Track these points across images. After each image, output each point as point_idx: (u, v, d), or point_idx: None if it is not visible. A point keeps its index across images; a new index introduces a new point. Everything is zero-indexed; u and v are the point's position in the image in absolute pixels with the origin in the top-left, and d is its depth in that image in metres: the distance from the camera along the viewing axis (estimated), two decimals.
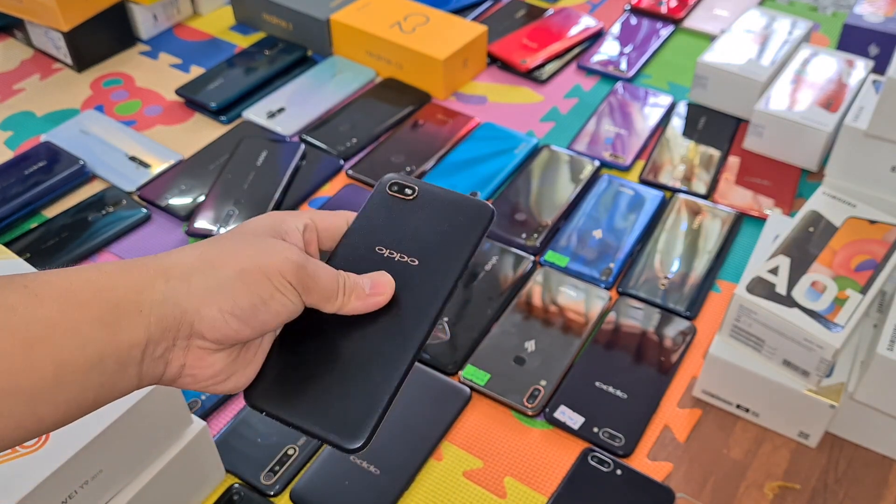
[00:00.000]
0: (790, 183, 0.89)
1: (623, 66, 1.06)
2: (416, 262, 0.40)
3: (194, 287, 0.35)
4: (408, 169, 0.90)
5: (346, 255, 0.40)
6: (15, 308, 0.32)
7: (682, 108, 0.99)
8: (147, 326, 0.34)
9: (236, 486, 0.62)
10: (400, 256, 0.40)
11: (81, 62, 1.07)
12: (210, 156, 0.93)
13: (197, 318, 0.35)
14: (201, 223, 0.83)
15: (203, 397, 0.68)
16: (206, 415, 0.67)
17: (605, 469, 0.63)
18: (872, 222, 0.68)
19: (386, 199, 0.42)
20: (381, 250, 0.40)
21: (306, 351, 0.38)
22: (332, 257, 0.41)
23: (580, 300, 0.76)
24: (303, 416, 0.37)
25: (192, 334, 0.35)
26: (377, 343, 0.38)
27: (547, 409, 0.67)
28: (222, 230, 0.82)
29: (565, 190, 0.88)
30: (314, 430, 0.37)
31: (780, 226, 0.75)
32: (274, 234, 0.38)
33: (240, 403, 0.68)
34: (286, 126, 0.97)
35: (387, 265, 0.40)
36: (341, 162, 0.92)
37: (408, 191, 0.42)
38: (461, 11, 1.17)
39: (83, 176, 0.89)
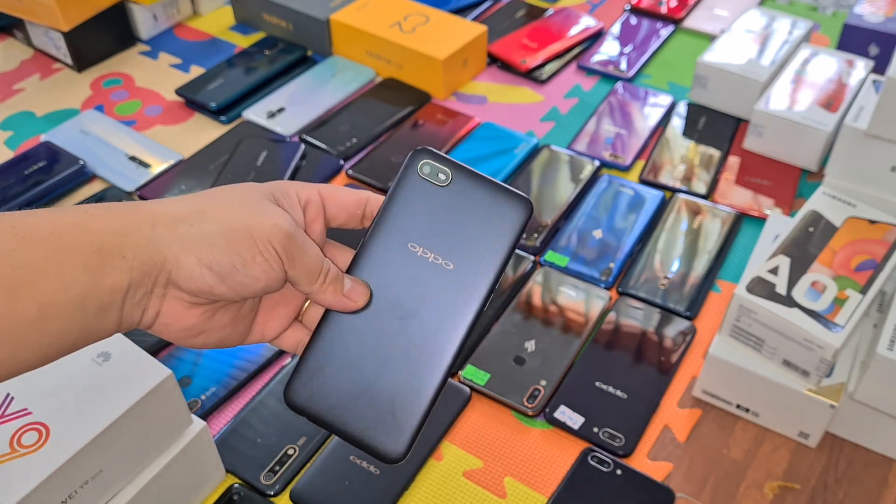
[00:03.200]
0: (790, 183, 0.89)
1: (623, 66, 1.06)
2: (452, 266, 0.38)
3: (178, 235, 0.35)
4: None
5: (377, 250, 0.38)
6: (0, 253, 0.32)
7: (682, 108, 0.99)
8: (129, 271, 0.34)
9: (236, 486, 0.62)
10: (434, 258, 0.38)
11: (81, 62, 1.07)
12: (210, 156, 0.93)
13: (175, 265, 0.35)
14: None
15: (203, 397, 0.68)
16: (206, 415, 0.67)
17: (605, 469, 0.63)
18: (872, 222, 0.68)
19: (417, 185, 0.39)
20: (415, 248, 0.38)
21: (343, 351, 0.37)
22: (361, 249, 0.39)
23: (580, 300, 0.76)
24: (341, 419, 0.36)
25: (169, 282, 0.35)
26: (414, 350, 0.37)
27: (547, 409, 0.67)
28: None
29: (565, 190, 0.88)
30: (353, 433, 0.36)
31: (780, 226, 0.75)
32: (272, 198, 0.38)
33: (240, 403, 0.68)
34: (286, 126, 0.97)
35: (420, 266, 0.38)
36: (341, 162, 0.92)
37: (441, 176, 0.38)
38: (461, 11, 1.17)
39: (83, 176, 0.89)
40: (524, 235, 0.82)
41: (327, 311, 0.39)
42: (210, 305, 0.37)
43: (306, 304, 0.41)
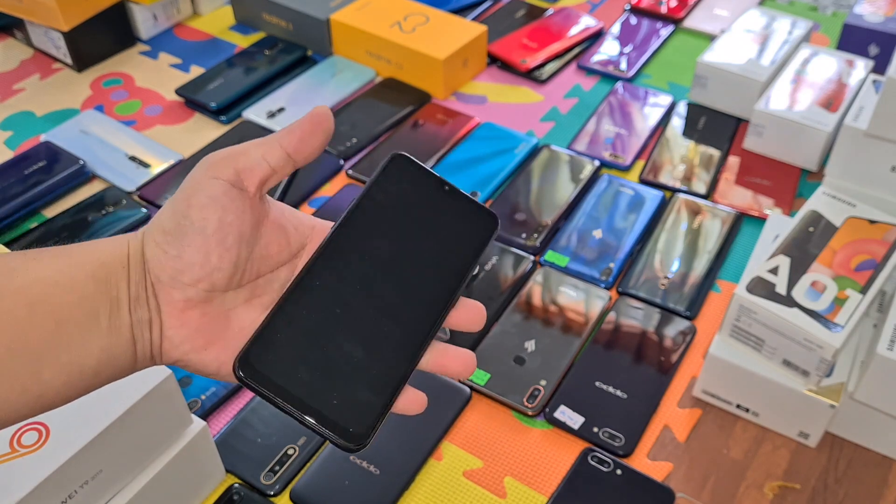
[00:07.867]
0: (790, 183, 0.89)
1: (623, 65, 1.06)
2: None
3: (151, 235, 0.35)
4: None
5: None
6: (15, 270, 0.32)
7: (682, 108, 0.99)
8: (128, 280, 0.34)
9: (236, 486, 0.62)
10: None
11: (81, 62, 1.07)
12: None
13: (148, 260, 0.34)
14: None
15: (203, 397, 0.68)
16: (206, 415, 0.67)
17: (605, 469, 0.63)
18: (872, 222, 0.68)
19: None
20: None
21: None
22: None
23: (580, 300, 0.76)
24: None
25: (152, 282, 0.34)
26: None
27: (547, 409, 0.67)
28: None
29: (565, 190, 0.88)
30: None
31: (780, 226, 0.75)
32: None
33: (240, 403, 0.68)
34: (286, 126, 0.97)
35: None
36: (341, 162, 0.92)
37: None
38: (461, 11, 1.17)
39: (83, 176, 0.89)
40: (525, 236, 0.82)
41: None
42: (204, 303, 0.35)
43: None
